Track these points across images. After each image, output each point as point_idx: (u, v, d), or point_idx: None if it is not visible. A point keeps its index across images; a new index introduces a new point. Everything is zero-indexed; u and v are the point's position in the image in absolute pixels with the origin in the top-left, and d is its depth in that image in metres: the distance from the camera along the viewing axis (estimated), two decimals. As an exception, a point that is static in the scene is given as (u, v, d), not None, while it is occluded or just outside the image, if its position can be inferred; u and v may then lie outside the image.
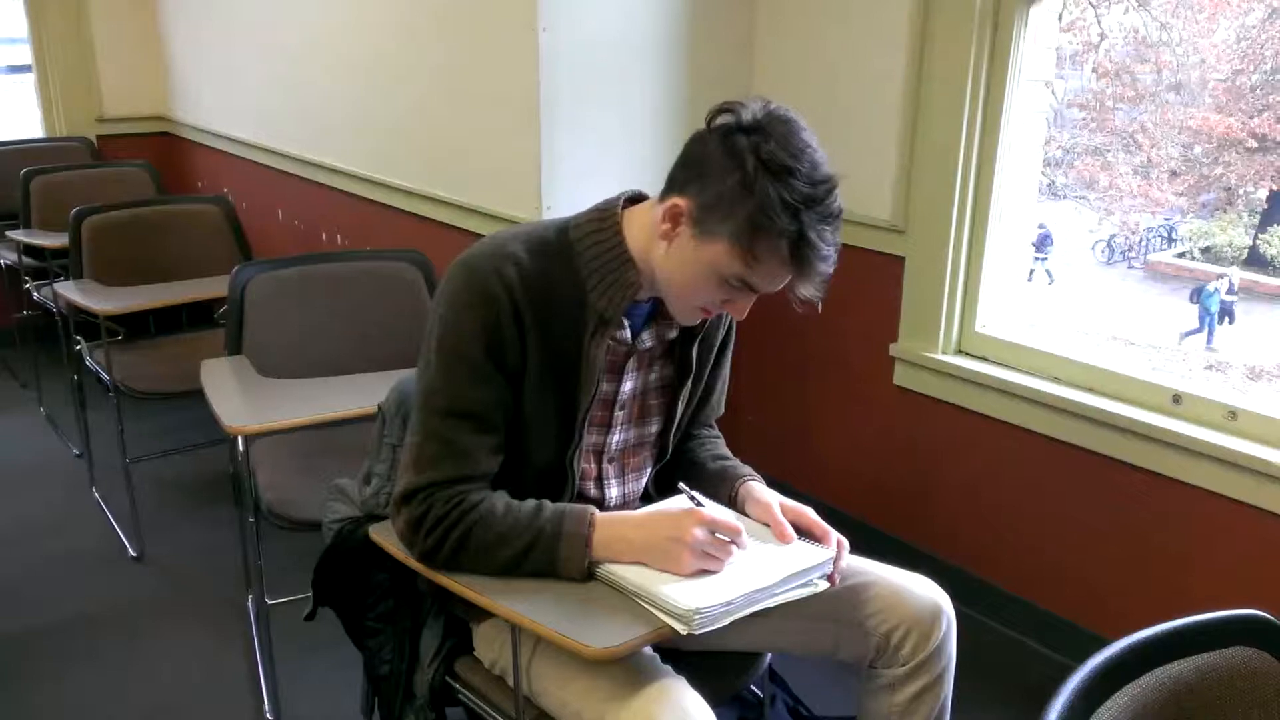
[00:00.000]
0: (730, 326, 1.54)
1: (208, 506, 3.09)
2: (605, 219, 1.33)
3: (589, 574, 1.28)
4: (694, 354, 1.44)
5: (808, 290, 1.24)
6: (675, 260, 1.26)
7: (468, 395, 1.29)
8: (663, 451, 1.51)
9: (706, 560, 1.25)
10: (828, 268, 1.22)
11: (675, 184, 1.26)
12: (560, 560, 1.27)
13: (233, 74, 3.98)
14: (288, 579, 2.33)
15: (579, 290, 1.31)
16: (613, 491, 1.45)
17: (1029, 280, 4.90)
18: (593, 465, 1.43)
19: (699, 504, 1.33)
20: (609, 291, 1.30)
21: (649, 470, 1.51)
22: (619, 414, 1.42)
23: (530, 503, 1.31)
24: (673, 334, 1.42)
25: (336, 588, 1.52)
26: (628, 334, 1.37)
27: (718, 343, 1.52)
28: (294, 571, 2.04)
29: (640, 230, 1.31)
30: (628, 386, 1.41)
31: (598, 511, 1.30)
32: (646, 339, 1.39)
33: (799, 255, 1.20)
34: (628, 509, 1.46)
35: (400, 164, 3.01)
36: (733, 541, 1.27)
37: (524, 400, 1.32)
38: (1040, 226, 5.21)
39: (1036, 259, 5.23)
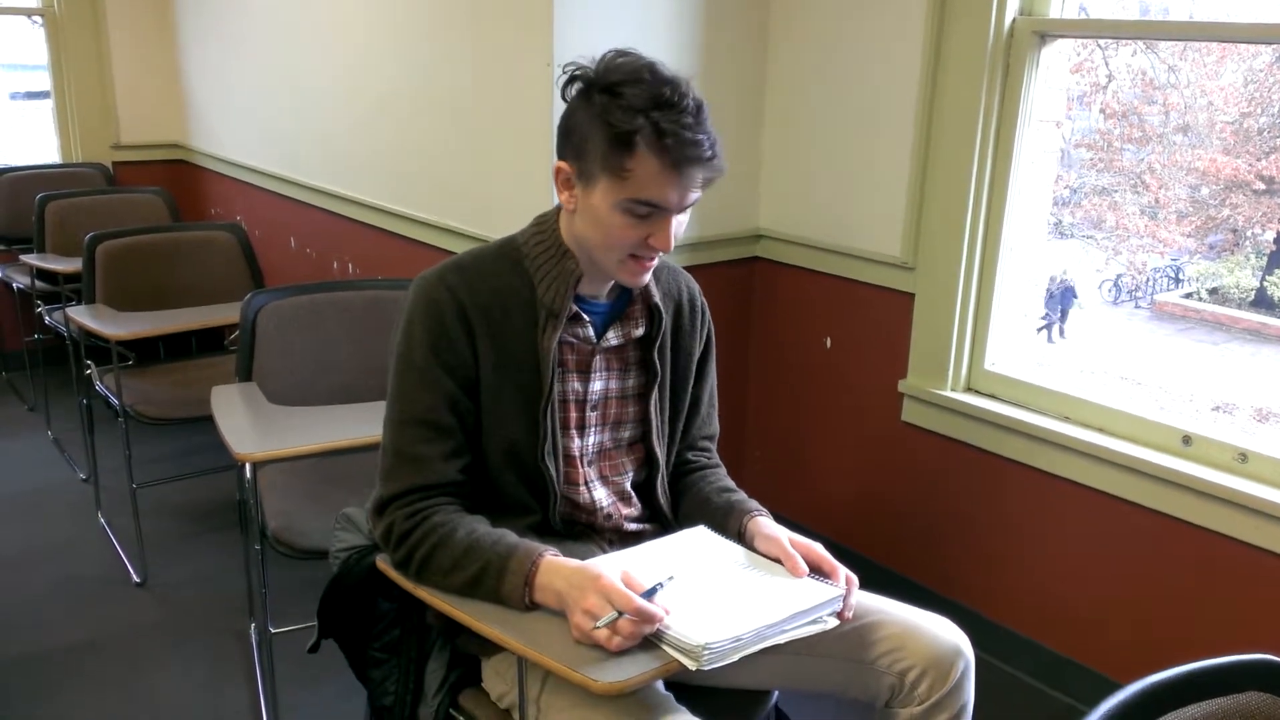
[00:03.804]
0: (708, 338, 1.56)
1: (213, 533, 3.08)
2: (544, 223, 1.41)
3: (531, 608, 1.28)
4: (655, 357, 1.46)
5: (699, 177, 1.27)
6: (584, 220, 1.32)
7: (416, 402, 1.34)
8: (652, 461, 1.51)
9: (583, 622, 1.20)
10: (703, 151, 1.25)
11: (557, 157, 1.34)
12: (503, 596, 1.29)
13: (248, 103, 4.02)
14: (292, 607, 2.33)
15: (529, 290, 1.38)
16: (598, 493, 1.46)
17: (1046, 334, 4.84)
18: (577, 468, 1.44)
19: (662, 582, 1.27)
20: (554, 284, 1.37)
21: (630, 475, 1.50)
22: (591, 415, 1.44)
23: (492, 533, 1.33)
24: (639, 332, 1.45)
25: (342, 618, 1.52)
26: (591, 332, 1.41)
27: (697, 353, 1.54)
28: (298, 600, 2.04)
29: (566, 224, 1.38)
30: (597, 387, 1.44)
31: (547, 555, 1.29)
32: (612, 337, 1.43)
33: (663, 147, 1.23)
34: (620, 511, 1.48)
35: (413, 194, 3.03)
36: (624, 615, 1.19)
37: (484, 402, 1.36)
38: (1062, 278, 5.00)
39: (1050, 314, 5.03)
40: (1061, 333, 5.13)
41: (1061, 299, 5.03)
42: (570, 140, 1.31)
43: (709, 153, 1.26)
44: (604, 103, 1.25)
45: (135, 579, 2.80)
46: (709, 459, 1.62)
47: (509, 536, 1.32)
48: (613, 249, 1.31)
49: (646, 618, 1.19)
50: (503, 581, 1.28)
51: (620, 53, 1.30)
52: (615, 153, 1.24)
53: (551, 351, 1.37)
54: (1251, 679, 0.98)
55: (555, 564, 1.28)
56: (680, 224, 1.33)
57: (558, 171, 1.34)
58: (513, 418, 1.38)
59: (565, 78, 1.32)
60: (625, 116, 1.23)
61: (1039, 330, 4.88)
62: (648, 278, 1.37)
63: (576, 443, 1.44)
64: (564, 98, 1.33)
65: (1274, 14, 2.13)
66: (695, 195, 1.30)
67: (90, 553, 2.94)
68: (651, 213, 1.28)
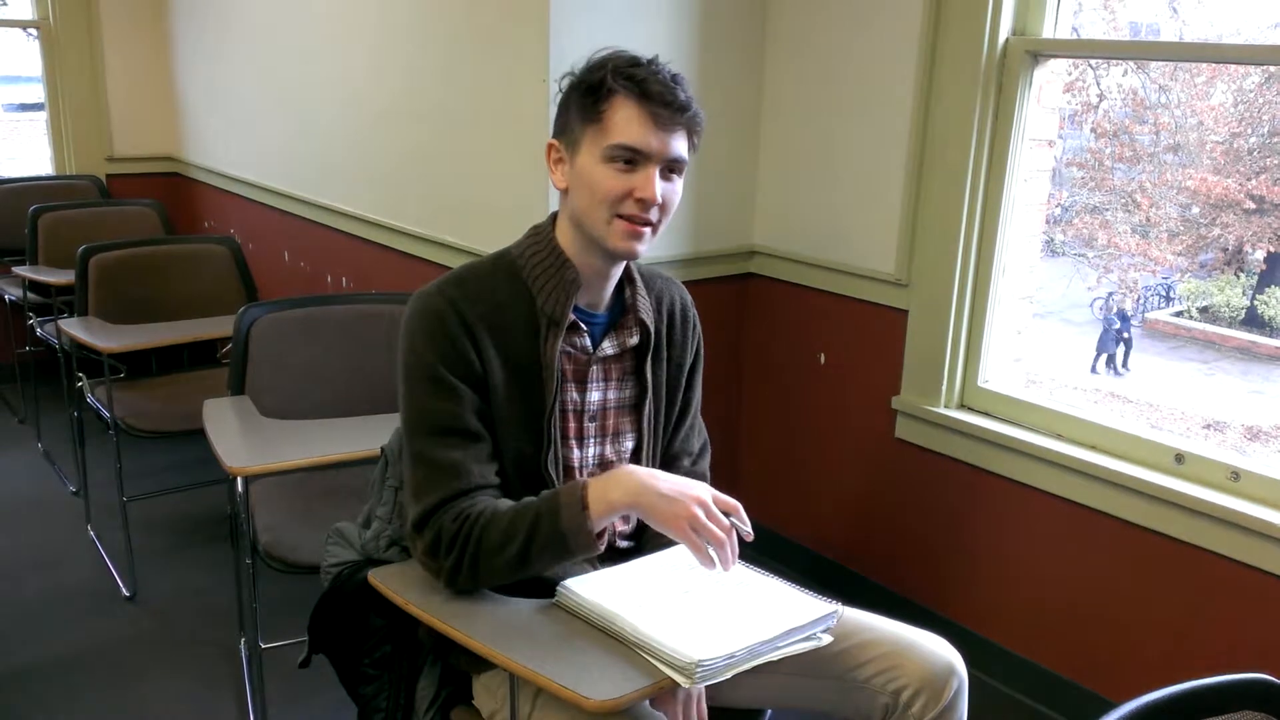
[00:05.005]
0: (698, 348, 1.57)
1: (204, 547, 3.07)
2: (540, 233, 1.43)
3: (596, 540, 1.28)
4: (648, 370, 1.47)
5: (676, 124, 1.31)
6: (576, 190, 1.35)
7: (438, 411, 1.34)
8: None
9: (703, 526, 1.25)
10: (675, 95, 1.31)
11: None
12: (564, 531, 1.27)
13: (243, 116, 4.03)
14: (282, 622, 2.31)
15: (528, 300, 1.38)
16: None
17: (1103, 368, 4.75)
18: (576, 479, 1.43)
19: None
20: (554, 293, 1.37)
21: None
22: (589, 425, 1.45)
23: (530, 498, 1.34)
24: (634, 341, 1.46)
25: (333, 633, 1.51)
26: (588, 342, 1.42)
27: (687, 363, 1.55)
28: (289, 615, 2.03)
29: (562, 224, 1.40)
30: (594, 397, 1.44)
31: (588, 479, 1.31)
32: (607, 347, 1.44)
33: (636, 91, 1.29)
34: (615, 527, 1.46)
35: (407, 208, 3.04)
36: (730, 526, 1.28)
37: (494, 409, 1.36)
38: (1118, 306, 4.86)
39: (1108, 345, 4.90)
40: (1126, 364, 5.02)
41: (1121, 328, 4.93)
42: (557, 122, 1.37)
43: (683, 97, 1.31)
44: (581, 72, 1.34)
45: (125, 593, 2.78)
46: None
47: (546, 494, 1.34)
48: (601, 205, 1.32)
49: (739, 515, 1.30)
50: (559, 517, 1.27)
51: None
52: (591, 103, 1.31)
53: (555, 359, 1.37)
54: (1246, 699, 0.98)
55: (603, 476, 1.32)
56: (672, 191, 1.34)
57: (549, 150, 1.38)
58: (520, 428, 1.37)
59: (559, 89, 1.38)
60: (599, 72, 1.31)
61: (1097, 362, 4.82)
62: (643, 246, 1.35)
63: (576, 454, 1.44)
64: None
65: (1263, 35, 2.16)
66: (676, 149, 1.32)
67: (79, 566, 2.92)
68: (634, 159, 1.30)
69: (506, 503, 1.33)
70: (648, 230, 1.34)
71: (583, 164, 1.33)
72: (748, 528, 1.30)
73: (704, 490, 1.28)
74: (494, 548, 1.29)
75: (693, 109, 1.32)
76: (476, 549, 1.29)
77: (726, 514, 1.29)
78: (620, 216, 1.32)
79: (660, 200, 1.32)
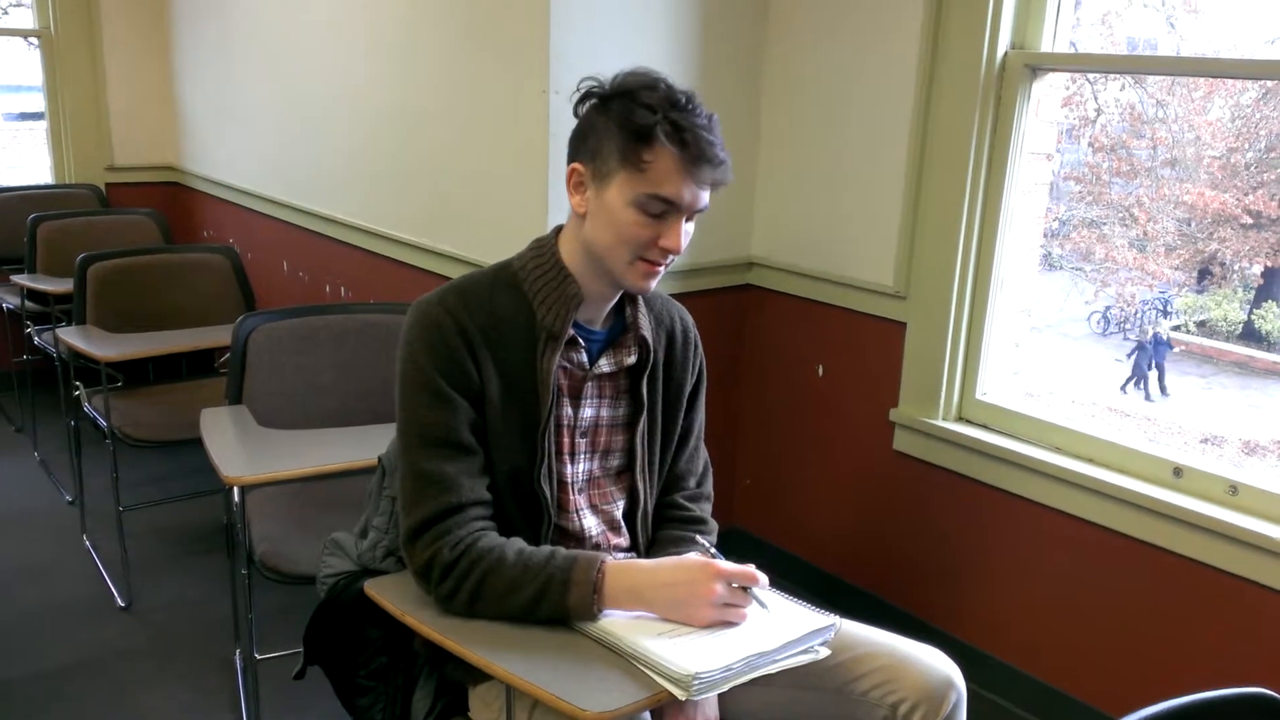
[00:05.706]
0: (700, 371, 1.56)
1: (200, 557, 3.06)
2: (542, 246, 1.42)
3: (597, 614, 1.29)
4: (644, 387, 1.46)
5: (710, 179, 1.31)
6: (596, 222, 1.33)
7: (433, 421, 1.33)
8: (633, 494, 1.50)
9: (727, 613, 1.27)
10: (716, 151, 1.30)
11: (569, 162, 1.37)
12: (570, 608, 1.27)
13: (243, 126, 4.03)
14: (278, 633, 2.31)
15: (527, 313, 1.38)
16: (588, 522, 1.45)
17: (1143, 391, 4.71)
18: (569, 495, 1.44)
19: (714, 556, 1.33)
20: (554, 307, 1.37)
21: (620, 504, 1.50)
22: (580, 441, 1.44)
23: (544, 549, 1.33)
24: (631, 360, 1.45)
25: (328, 644, 1.50)
26: (585, 357, 1.41)
27: (688, 385, 1.54)
28: (285, 626, 2.03)
29: (569, 241, 1.39)
30: (587, 413, 1.44)
31: (609, 560, 1.30)
32: (604, 364, 1.43)
33: (681, 141, 1.28)
34: (610, 540, 1.47)
35: (407, 218, 3.04)
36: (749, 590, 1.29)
37: (489, 422, 1.36)
38: (1154, 330, 4.79)
39: (1142, 368, 4.83)
40: (1163, 389, 4.94)
41: (1155, 351, 4.87)
42: (585, 143, 1.34)
43: (721, 154, 1.31)
44: (622, 104, 1.30)
45: (120, 603, 2.77)
46: (700, 511, 1.58)
47: (561, 550, 1.33)
48: (625, 247, 1.32)
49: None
50: (568, 593, 1.27)
51: (633, 69, 1.34)
52: (634, 147, 1.28)
53: (552, 373, 1.37)
54: (1246, 713, 0.97)
55: (621, 565, 1.30)
56: (688, 233, 1.34)
57: (571, 173, 1.35)
58: (514, 441, 1.37)
59: (579, 94, 1.34)
60: (644, 113, 1.28)
61: (1128, 385, 4.77)
62: (655, 283, 1.37)
63: (569, 469, 1.43)
64: (576, 113, 1.36)
65: (1260, 50, 2.17)
66: (704, 200, 1.33)
67: (74, 576, 2.91)
68: (665, 211, 1.30)
69: (513, 546, 1.32)
70: (663, 268, 1.36)
71: (611, 202, 1.31)
72: (764, 602, 1.30)
73: (710, 586, 1.26)
74: (494, 595, 1.29)
75: (727, 162, 1.33)
76: (477, 588, 1.29)
77: (745, 586, 1.29)
78: (642, 259, 1.33)
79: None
